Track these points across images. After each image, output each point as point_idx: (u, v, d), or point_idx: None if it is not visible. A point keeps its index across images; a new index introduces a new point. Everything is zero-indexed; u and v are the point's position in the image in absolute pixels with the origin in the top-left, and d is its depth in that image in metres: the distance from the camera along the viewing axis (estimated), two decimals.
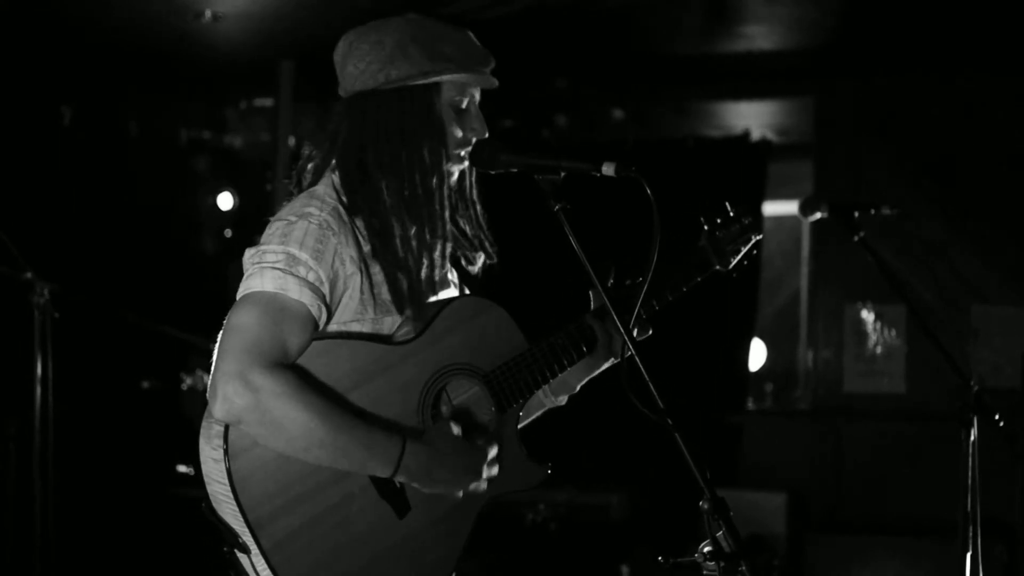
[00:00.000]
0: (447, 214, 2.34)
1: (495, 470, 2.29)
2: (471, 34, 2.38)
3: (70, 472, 5.01)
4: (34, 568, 4.51)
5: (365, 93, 2.31)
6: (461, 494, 2.26)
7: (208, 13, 5.76)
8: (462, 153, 2.36)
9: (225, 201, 7.69)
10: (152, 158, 7.42)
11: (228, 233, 7.70)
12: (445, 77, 2.30)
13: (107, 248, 6.83)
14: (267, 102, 7.22)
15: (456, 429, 2.24)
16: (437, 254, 2.32)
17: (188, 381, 6.45)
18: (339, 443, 2.13)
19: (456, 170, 2.38)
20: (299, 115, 6.71)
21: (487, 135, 2.37)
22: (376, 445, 2.16)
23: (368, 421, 2.19)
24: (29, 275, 4.27)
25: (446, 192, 2.34)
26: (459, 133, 2.34)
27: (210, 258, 7.62)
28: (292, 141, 6.83)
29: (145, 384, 6.78)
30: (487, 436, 2.30)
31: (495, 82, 2.38)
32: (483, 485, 2.27)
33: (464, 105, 2.34)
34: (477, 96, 2.37)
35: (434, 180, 2.31)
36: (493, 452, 2.28)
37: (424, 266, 2.30)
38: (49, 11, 5.78)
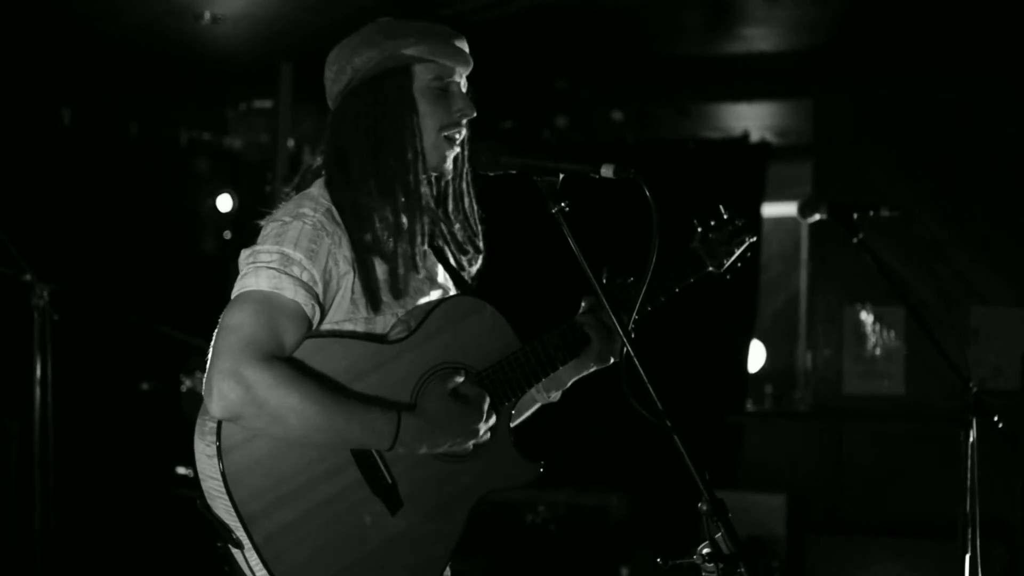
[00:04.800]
0: (423, 189, 2.35)
1: (492, 420, 2.32)
2: (446, 26, 2.40)
3: (70, 473, 5.01)
4: (34, 568, 4.51)
5: (342, 92, 2.36)
6: (469, 445, 2.29)
7: (208, 15, 5.76)
8: (456, 136, 2.38)
9: (224, 202, 7.68)
10: (152, 159, 7.42)
11: (227, 234, 7.70)
12: (406, 52, 2.31)
13: (107, 249, 6.84)
14: (267, 104, 7.22)
15: (449, 385, 2.27)
16: (417, 229, 2.34)
17: (188, 383, 6.44)
18: (337, 426, 2.16)
19: (449, 155, 2.39)
20: (299, 117, 6.72)
21: (475, 114, 2.38)
22: (372, 422, 2.19)
23: (362, 400, 2.21)
24: (29, 277, 4.27)
25: (421, 170, 2.35)
26: (444, 114, 2.35)
27: (210, 259, 7.62)
28: (292, 143, 6.83)
29: (145, 386, 6.78)
30: (475, 393, 2.31)
31: (470, 61, 2.39)
32: (486, 436, 2.31)
33: (444, 87, 2.36)
34: (459, 79, 2.38)
35: (408, 155, 2.32)
36: (486, 404, 2.30)
37: (404, 242, 2.31)
38: (49, 12, 5.78)
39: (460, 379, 2.34)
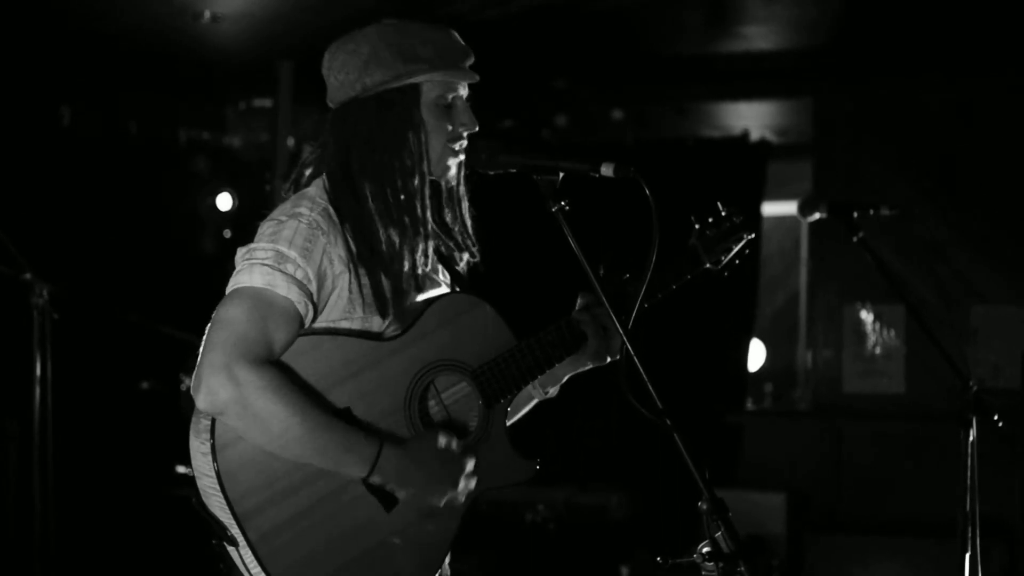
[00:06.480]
0: (429, 213, 2.36)
1: (472, 483, 2.30)
2: (452, 32, 2.40)
3: (70, 472, 5.01)
4: (34, 568, 4.51)
5: (347, 102, 2.35)
6: (438, 503, 2.26)
7: (207, 14, 5.76)
8: (456, 147, 2.38)
9: (224, 201, 7.68)
10: (152, 158, 7.42)
11: (227, 234, 7.70)
12: (420, 78, 2.32)
13: (107, 248, 6.83)
14: (266, 102, 7.22)
15: (443, 440, 2.26)
16: (420, 253, 2.35)
17: (187, 382, 6.42)
18: (317, 441, 2.16)
19: (452, 164, 2.39)
20: (298, 116, 6.72)
21: (477, 128, 2.39)
22: (353, 445, 2.19)
23: (348, 422, 2.21)
24: (28, 276, 4.27)
25: (428, 192, 2.36)
26: (448, 128, 2.36)
27: (209, 259, 7.61)
28: (291, 142, 6.82)
29: (144, 384, 6.78)
30: (468, 449, 2.31)
31: (476, 77, 2.39)
32: (460, 498, 2.29)
33: (449, 101, 2.36)
34: (462, 91, 2.39)
35: (415, 181, 2.33)
36: (470, 466, 2.29)
37: (407, 266, 2.32)
38: (49, 11, 5.78)
39: (460, 384, 2.33)
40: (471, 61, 2.39)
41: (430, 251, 2.38)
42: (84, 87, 7.00)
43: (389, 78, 2.31)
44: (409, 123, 2.33)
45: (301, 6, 5.71)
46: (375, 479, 2.21)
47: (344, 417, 2.22)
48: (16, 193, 6.24)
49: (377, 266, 2.29)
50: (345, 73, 2.33)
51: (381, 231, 2.30)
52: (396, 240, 2.31)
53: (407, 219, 2.32)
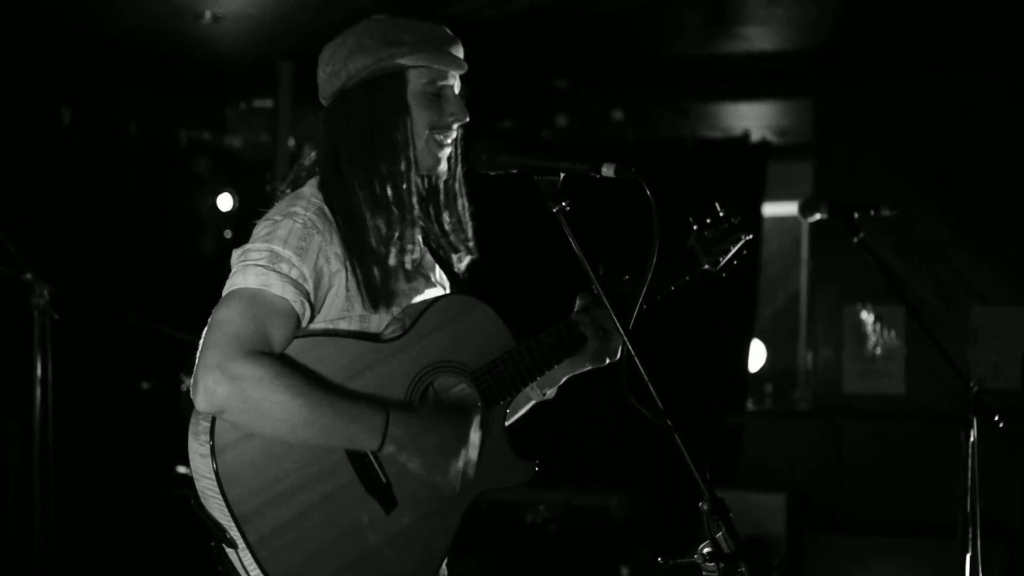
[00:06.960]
0: (415, 199, 2.35)
1: (479, 437, 2.28)
2: (442, 24, 2.40)
3: (70, 472, 5.01)
4: (34, 568, 4.51)
5: (335, 95, 2.36)
6: (457, 465, 2.24)
7: (208, 14, 5.76)
8: (443, 138, 2.37)
9: (225, 202, 7.68)
10: (152, 158, 7.42)
11: (228, 234, 7.70)
12: (401, 60, 2.31)
13: (107, 248, 6.83)
14: (267, 103, 7.22)
15: (446, 392, 2.27)
16: (408, 239, 2.34)
17: (187, 382, 6.43)
18: (324, 420, 2.15)
19: (442, 155, 2.39)
20: (298, 116, 6.71)
21: (467, 119, 2.38)
22: (361, 417, 2.17)
23: (350, 395, 2.20)
24: (29, 276, 4.27)
25: (415, 180, 2.36)
26: (437, 118, 2.35)
27: (210, 259, 7.61)
28: (292, 142, 6.83)
29: (145, 385, 6.78)
30: (473, 407, 2.31)
31: (464, 65, 2.38)
32: (473, 454, 2.27)
33: (438, 90, 2.35)
34: (452, 82, 2.38)
35: (402, 168, 2.33)
36: (478, 418, 2.28)
37: (394, 252, 2.31)
38: (49, 12, 5.78)
39: (459, 385, 2.33)
40: (459, 50, 2.38)
41: (417, 238, 2.37)
42: (84, 87, 6.99)
43: (371, 62, 2.31)
44: (394, 110, 2.32)
45: (301, 6, 5.71)
46: (388, 448, 2.19)
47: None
48: (16, 193, 6.24)
49: (368, 257, 2.29)
50: (332, 65, 2.35)
51: (369, 220, 2.29)
52: (384, 229, 2.30)
53: (394, 207, 2.31)
